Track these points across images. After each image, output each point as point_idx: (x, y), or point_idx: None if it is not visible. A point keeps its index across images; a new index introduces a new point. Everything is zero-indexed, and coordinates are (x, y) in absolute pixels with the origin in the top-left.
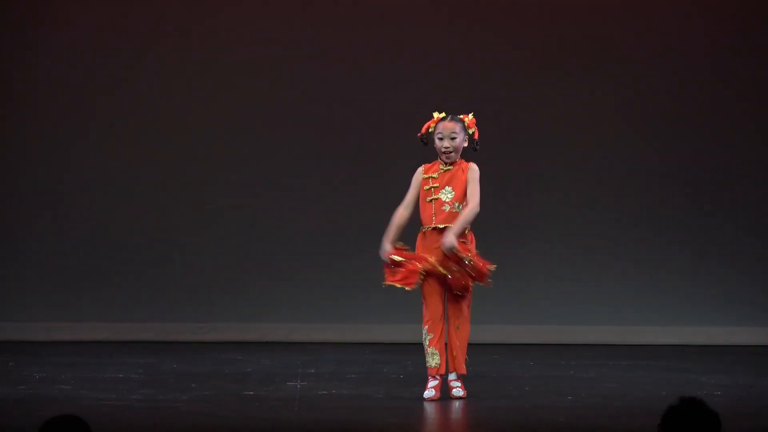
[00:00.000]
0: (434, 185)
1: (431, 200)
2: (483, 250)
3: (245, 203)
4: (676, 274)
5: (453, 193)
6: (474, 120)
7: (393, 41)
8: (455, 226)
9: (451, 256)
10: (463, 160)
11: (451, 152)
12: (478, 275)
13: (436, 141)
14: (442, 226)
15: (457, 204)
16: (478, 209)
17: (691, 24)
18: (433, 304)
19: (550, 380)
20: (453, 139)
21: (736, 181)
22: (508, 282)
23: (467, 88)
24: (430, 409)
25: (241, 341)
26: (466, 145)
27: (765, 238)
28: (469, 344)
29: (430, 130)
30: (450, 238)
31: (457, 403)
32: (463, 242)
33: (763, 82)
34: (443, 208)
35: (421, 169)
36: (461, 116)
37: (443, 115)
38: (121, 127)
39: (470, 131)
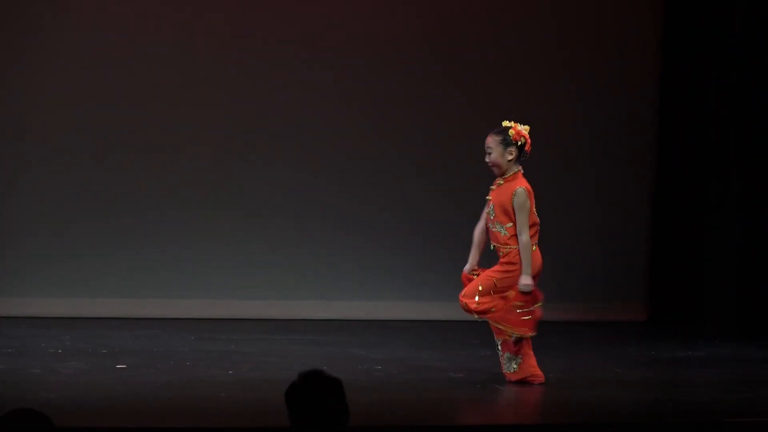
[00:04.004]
0: (489, 197)
1: (486, 214)
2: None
3: None
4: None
5: (494, 213)
6: (520, 130)
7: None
8: (523, 267)
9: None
10: (516, 177)
11: (492, 167)
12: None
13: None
14: (491, 244)
15: (498, 225)
16: (527, 243)
17: None
18: None
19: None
20: (489, 154)
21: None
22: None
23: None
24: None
25: None
26: (511, 157)
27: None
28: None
29: None
30: (524, 281)
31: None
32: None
33: None
34: (489, 226)
35: None
36: (505, 125)
37: (508, 124)
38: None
39: (518, 142)
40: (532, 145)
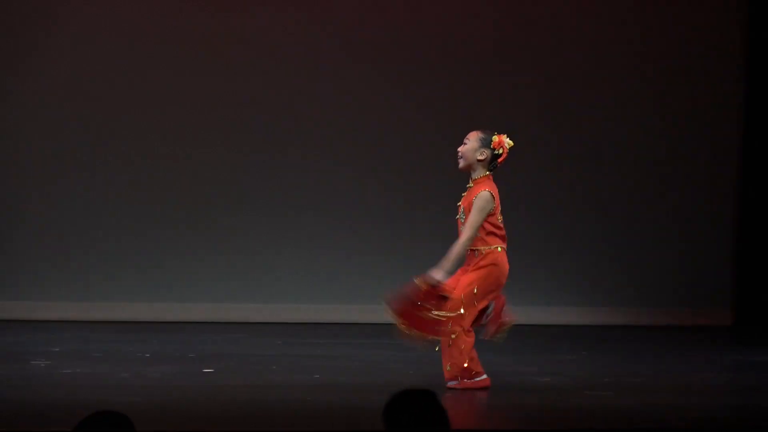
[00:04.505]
0: (459, 203)
1: (457, 218)
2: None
3: None
4: None
5: (464, 216)
6: (503, 141)
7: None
8: (443, 262)
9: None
10: (484, 181)
11: (459, 157)
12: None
13: None
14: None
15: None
16: (466, 241)
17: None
18: None
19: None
20: (464, 144)
21: None
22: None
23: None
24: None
25: None
26: (482, 158)
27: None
28: None
29: None
30: (435, 275)
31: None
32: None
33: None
34: (461, 229)
35: None
36: (495, 133)
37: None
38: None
39: (495, 150)
40: (623, 157)
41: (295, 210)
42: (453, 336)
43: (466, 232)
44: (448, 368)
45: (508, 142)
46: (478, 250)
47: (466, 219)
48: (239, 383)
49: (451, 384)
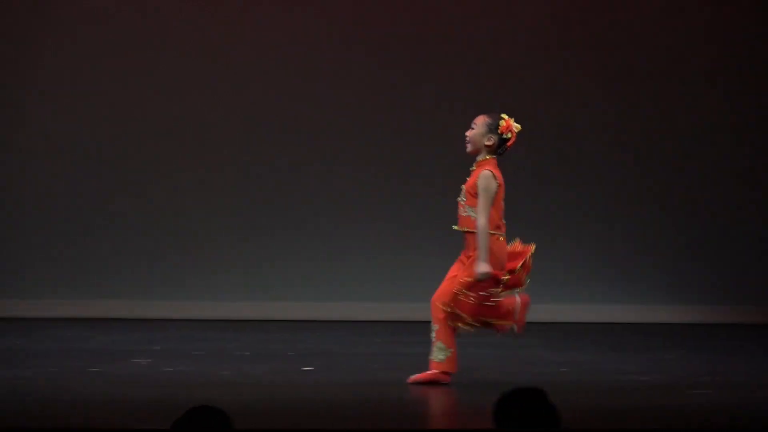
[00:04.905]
0: (462, 186)
1: (458, 199)
2: None
3: (80, 181)
4: None
5: (465, 198)
6: (511, 125)
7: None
8: (479, 253)
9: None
10: (487, 162)
11: (467, 142)
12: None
13: None
14: (457, 228)
15: (468, 208)
16: (484, 227)
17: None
18: None
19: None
20: (471, 129)
21: None
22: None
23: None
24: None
25: (84, 317)
26: (489, 143)
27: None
28: None
29: None
30: (480, 269)
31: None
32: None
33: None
34: (460, 211)
35: None
36: (502, 115)
37: (504, 116)
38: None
39: (503, 135)
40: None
41: (396, 211)
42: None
43: (479, 217)
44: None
45: (516, 126)
46: (471, 231)
47: (466, 200)
48: (339, 381)
49: (412, 378)
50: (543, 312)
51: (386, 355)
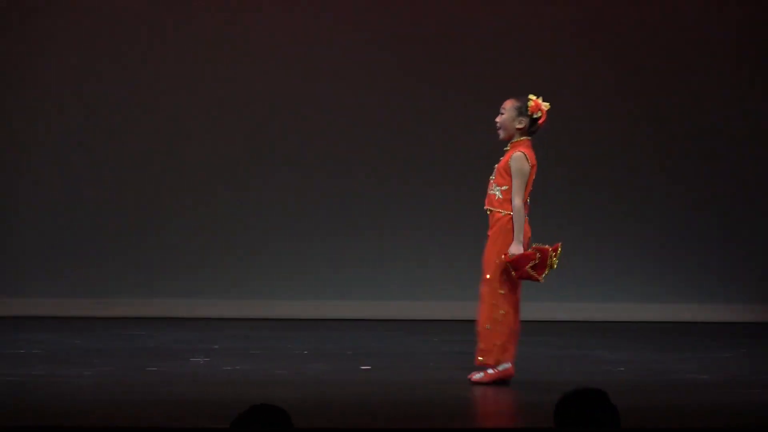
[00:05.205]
0: (496, 165)
1: (490, 178)
2: None
3: (145, 181)
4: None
5: (494, 175)
6: (540, 104)
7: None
8: (515, 233)
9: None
10: (520, 143)
11: (498, 128)
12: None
13: None
14: (486, 208)
15: (495, 186)
16: (520, 208)
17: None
18: None
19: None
20: (501, 114)
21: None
22: None
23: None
24: (329, 385)
25: (142, 317)
26: (521, 126)
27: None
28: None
29: None
30: (513, 250)
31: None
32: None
33: None
34: (489, 189)
35: None
36: (530, 96)
37: (532, 96)
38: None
39: (533, 115)
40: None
41: (451, 212)
42: (502, 312)
43: (514, 198)
44: (480, 358)
45: (544, 104)
46: (493, 210)
47: (494, 178)
48: (396, 380)
49: (476, 377)
50: (600, 311)
51: (443, 353)
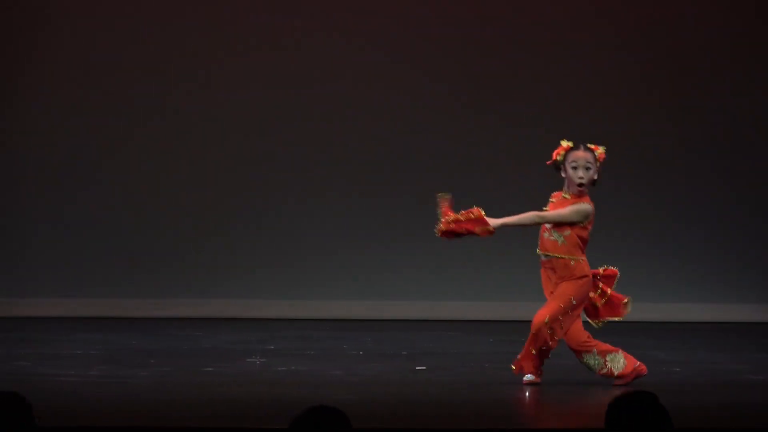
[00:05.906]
0: (546, 208)
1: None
2: None
3: (204, 181)
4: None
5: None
6: (603, 154)
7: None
8: (510, 219)
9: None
10: (583, 194)
11: (584, 182)
12: None
13: (569, 170)
14: (541, 253)
15: (555, 233)
16: (540, 220)
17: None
18: None
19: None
20: (587, 169)
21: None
22: None
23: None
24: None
25: (198, 317)
26: (596, 177)
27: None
28: None
29: (559, 158)
30: (494, 222)
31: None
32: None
33: None
34: (544, 234)
35: None
36: (592, 146)
37: (571, 144)
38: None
39: (598, 165)
40: None
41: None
42: (546, 322)
43: (550, 214)
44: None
45: (600, 151)
46: (566, 258)
47: (552, 225)
48: (452, 380)
49: (526, 379)
50: (655, 312)
51: (499, 354)
